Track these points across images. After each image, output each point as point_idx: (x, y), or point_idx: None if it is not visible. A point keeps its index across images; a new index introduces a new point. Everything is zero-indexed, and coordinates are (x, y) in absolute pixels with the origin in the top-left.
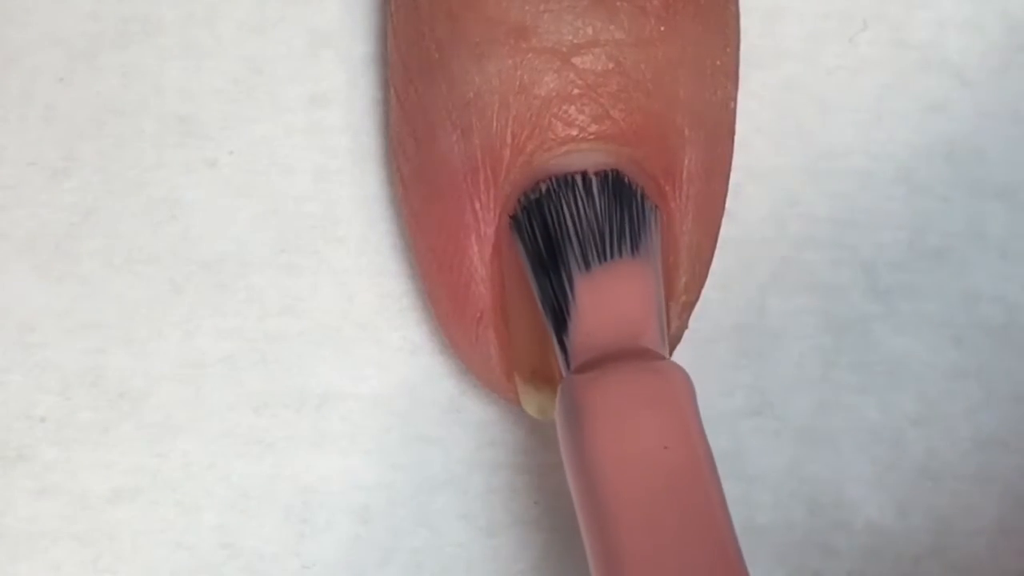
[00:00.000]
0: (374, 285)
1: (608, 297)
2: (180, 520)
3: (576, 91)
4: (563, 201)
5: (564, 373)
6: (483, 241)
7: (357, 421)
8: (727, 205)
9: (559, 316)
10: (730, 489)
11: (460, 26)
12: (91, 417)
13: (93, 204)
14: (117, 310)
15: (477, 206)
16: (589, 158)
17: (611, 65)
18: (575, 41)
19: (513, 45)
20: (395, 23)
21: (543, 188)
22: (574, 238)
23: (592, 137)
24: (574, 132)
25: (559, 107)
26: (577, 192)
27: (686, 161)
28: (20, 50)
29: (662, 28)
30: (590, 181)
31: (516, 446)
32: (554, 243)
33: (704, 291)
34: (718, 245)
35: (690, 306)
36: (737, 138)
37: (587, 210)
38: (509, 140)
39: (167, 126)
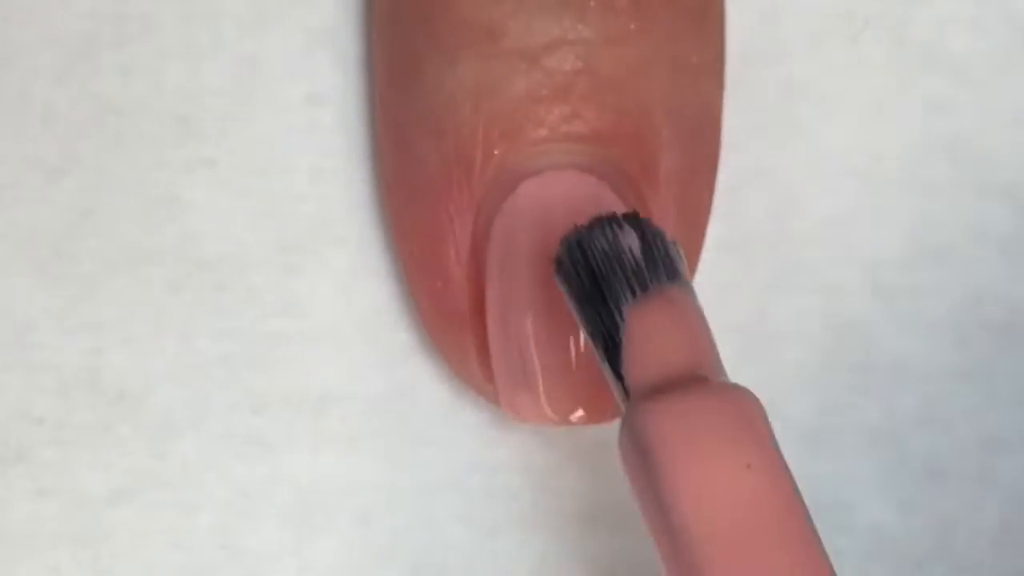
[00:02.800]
0: (374, 285)
1: (659, 323)
2: (179, 521)
3: (545, 92)
4: (601, 238)
5: (622, 406)
6: (459, 244)
7: (356, 422)
8: (727, 205)
9: (611, 345)
10: None
11: (433, 30)
12: (90, 418)
13: (91, 204)
14: (116, 310)
15: (452, 209)
16: (561, 159)
17: (580, 65)
18: (544, 41)
19: (483, 48)
20: (377, 28)
21: (582, 229)
22: (619, 270)
23: (563, 138)
24: (544, 133)
25: (529, 108)
26: (612, 229)
27: (664, 160)
28: (18, 50)
29: (633, 26)
30: (620, 221)
31: (516, 447)
32: (599, 277)
33: (704, 291)
34: (719, 245)
35: None
36: (737, 138)
37: (625, 243)
38: (480, 142)
39: (166, 126)
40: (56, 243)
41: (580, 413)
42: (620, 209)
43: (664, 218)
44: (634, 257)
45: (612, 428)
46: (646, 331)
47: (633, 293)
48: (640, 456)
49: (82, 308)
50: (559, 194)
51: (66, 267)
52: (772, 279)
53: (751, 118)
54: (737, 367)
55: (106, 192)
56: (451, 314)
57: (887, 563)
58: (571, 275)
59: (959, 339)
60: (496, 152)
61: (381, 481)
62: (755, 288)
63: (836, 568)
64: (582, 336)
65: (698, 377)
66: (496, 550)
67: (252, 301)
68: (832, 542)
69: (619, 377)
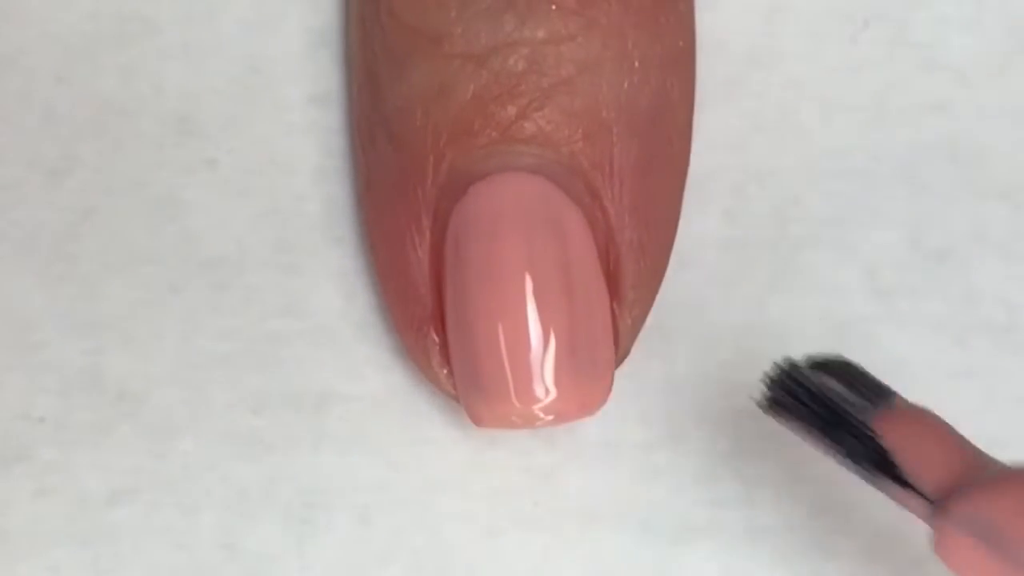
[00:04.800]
0: (374, 285)
1: (915, 426)
2: (179, 521)
3: (493, 94)
4: (807, 371)
5: (928, 512)
6: (420, 249)
7: (357, 421)
8: (727, 205)
9: (881, 458)
10: (731, 489)
11: (388, 38)
12: (90, 418)
13: (92, 204)
14: (116, 310)
15: (411, 215)
16: (511, 160)
17: (526, 65)
18: (490, 44)
19: (431, 52)
20: (350, 39)
21: (785, 365)
22: (848, 391)
23: (512, 140)
24: (493, 135)
25: (477, 111)
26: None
27: (616, 156)
28: (19, 50)
29: (579, 24)
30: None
31: (516, 446)
32: (832, 400)
33: (704, 291)
34: (720, 244)
35: (643, 302)
36: (737, 138)
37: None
38: (431, 146)
39: (167, 126)
40: (57, 243)
41: (539, 420)
42: (571, 210)
43: (620, 214)
44: (853, 378)
45: (613, 428)
46: (910, 436)
47: (875, 405)
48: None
49: (83, 308)
50: (508, 197)
51: (67, 267)
52: (772, 279)
53: (751, 118)
54: (737, 367)
55: (107, 192)
56: (415, 318)
57: (886, 563)
58: (796, 405)
59: (958, 339)
60: (447, 156)
61: (381, 481)
62: (755, 288)
63: (836, 568)
64: (533, 340)
65: (979, 462)
66: (496, 550)
67: (252, 301)
68: (832, 542)
69: (906, 484)
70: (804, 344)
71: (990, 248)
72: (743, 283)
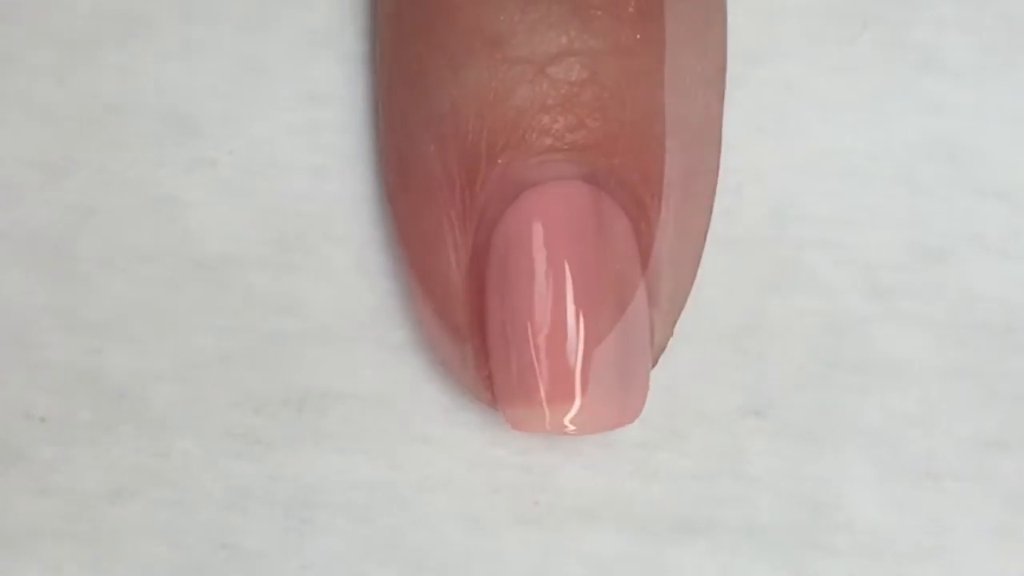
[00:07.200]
0: (374, 285)
1: None
2: (180, 520)
3: (550, 101)
4: None
5: None
6: (459, 252)
7: (357, 421)
8: (727, 205)
9: None
10: (730, 489)
11: (437, 37)
12: (91, 417)
13: (92, 204)
14: (116, 310)
15: (453, 216)
16: (564, 169)
17: (586, 75)
18: (550, 51)
19: (487, 55)
20: (380, 33)
21: None
22: None
23: (567, 147)
24: (548, 142)
25: (533, 117)
26: None
27: (665, 170)
28: (19, 49)
29: (638, 36)
30: None
31: (517, 446)
32: None
33: (704, 291)
34: (719, 245)
35: (675, 314)
36: (737, 138)
37: None
38: (483, 151)
39: (166, 126)
40: (56, 243)
41: (573, 428)
42: (621, 220)
43: (664, 227)
44: None
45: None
46: None
47: None
48: None
49: (83, 307)
50: (559, 205)
51: (66, 267)
52: (772, 279)
53: (751, 118)
54: (737, 367)
55: (106, 192)
56: (450, 321)
57: (885, 563)
58: None
59: (957, 339)
60: (500, 161)
61: (381, 480)
62: (755, 288)
63: (836, 568)
64: (578, 348)
65: None
66: (497, 549)
67: (252, 300)
68: (831, 542)
69: None
70: (804, 344)
71: (988, 248)
72: (743, 283)
